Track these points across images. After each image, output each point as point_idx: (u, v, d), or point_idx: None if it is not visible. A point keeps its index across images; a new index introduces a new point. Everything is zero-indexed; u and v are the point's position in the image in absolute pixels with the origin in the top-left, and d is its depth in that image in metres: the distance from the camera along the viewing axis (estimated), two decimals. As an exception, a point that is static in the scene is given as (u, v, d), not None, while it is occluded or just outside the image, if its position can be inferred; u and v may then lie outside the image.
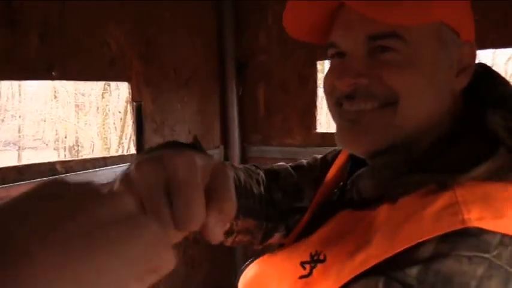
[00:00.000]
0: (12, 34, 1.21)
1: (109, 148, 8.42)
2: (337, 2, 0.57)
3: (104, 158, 1.50)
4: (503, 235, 0.45)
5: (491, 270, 0.43)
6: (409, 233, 0.47)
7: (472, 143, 0.54)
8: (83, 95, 8.89)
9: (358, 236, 0.52)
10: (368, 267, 0.48)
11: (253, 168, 0.79)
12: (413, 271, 0.45)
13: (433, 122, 0.57)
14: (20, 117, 9.48)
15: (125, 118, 8.10)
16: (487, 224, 0.45)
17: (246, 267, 0.69)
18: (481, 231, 0.45)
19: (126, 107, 7.86)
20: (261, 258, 0.65)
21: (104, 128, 8.62)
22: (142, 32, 1.58)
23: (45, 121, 9.89)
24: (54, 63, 1.32)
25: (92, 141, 8.86)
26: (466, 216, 0.45)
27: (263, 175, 0.78)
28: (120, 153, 8.24)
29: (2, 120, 9.53)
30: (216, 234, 0.33)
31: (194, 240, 1.81)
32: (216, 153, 1.95)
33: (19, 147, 9.44)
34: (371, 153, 0.58)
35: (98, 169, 1.45)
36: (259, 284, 0.64)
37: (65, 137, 9.37)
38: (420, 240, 0.46)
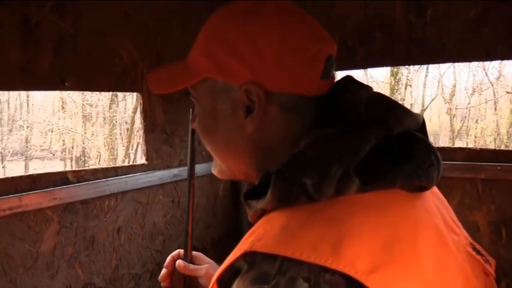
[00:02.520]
0: (27, 46, 1.24)
1: (116, 158, 8.46)
2: None
3: (114, 168, 1.51)
4: (283, 261, 0.48)
5: None
6: (228, 258, 0.54)
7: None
8: (91, 105, 8.97)
9: None
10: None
11: None
12: None
13: (247, 162, 0.64)
14: (27, 127, 9.58)
15: (131, 128, 8.15)
16: (264, 247, 0.50)
17: None
18: (262, 260, 0.49)
19: (133, 117, 7.92)
20: None
21: (110, 138, 8.68)
22: (154, 45, 1.60)
23: (52, 131, 9.98)
24: (67, 74, 1.34)
25: (99, 152, 8.92)
26: (250, 241, 0.51)
27: None
28: (126, 163, 8.27)
29: (10, 131, 9.62)
30: None
31: None
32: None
33: (26, 157, 9.51)
34: (229, 178, 0.72)
35: (108, 179, 1.46)
36: None
37: (72, 147, 9.43)
38: (220, 272, 0.53)
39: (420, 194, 0.58)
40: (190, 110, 0.82)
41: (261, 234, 0.52)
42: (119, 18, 1.49)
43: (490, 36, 1.46)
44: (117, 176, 1.50)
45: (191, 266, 0.88)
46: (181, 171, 1.71)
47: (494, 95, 9.25)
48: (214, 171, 0.71)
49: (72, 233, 1.38)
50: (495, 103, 9.42)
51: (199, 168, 1.81)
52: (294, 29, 0.59)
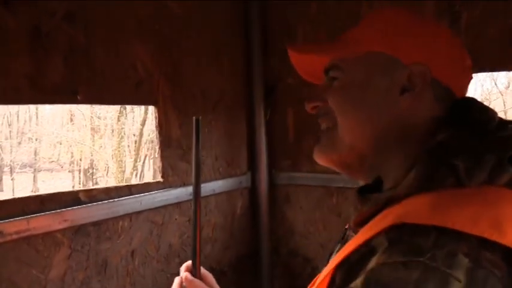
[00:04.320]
0: (38, 58, 1.16)
1: (124, 171, 8.41)
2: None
3: (128, 186, 1.42)
4: (439, 235, 0.46)
5: (426, 273, 0.44)
6: (351, 243, 0.53)
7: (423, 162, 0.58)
8: (99, 117, 8.96)
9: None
10: (322, 282, 0.55)
11: None
12: (358, 283, 0.47)
13: (380, 138, 0.63)
14: (36, 139, 9.57)
15: (139, 141, 8.11)
16: (418, 218, 0.48)
17: None
18: (413, 234, 0.47)
19: (142, 129, 7.88)
20: None
21: (118, 151, 8.63)
22: (169, 55, 1.52)
23: (61, 144, 9.97)
24: (80, 86, 1.26)
25: (107, 164, 8.88)
26: (395, 216, 0.50)
27: None
28: (134, 175, 8.20)
29: (19, 143, 9.62)
30: None
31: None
32: (244, 180, 1.85)
33: (35, 169, 9.49)
34: (336, 167, 0.67)
35: (122, 198, 1.36)
36: None
37: (80, 160, 9.41)
38: (343, 256, 0.52)
39: None
40: (194, 119, 0.83)
41: (405, 209, 0.52)
42: (132, 27, 1.41)
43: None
44: (131, 194, 1.40)
45: (197, 281, 0.84)
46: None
47: (504, 105, 9.11)
48: (321, 151, 0.68)
49: (84, 257, 1.28)
50: (505, 113, 9.28)
51: (217, 185, 1.72)
52: (457, 39, 0.67)
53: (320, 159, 0.68)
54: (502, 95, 8.88)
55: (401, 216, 0.50)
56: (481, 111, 0.61)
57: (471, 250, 0.45)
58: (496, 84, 8.86)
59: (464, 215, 0.47)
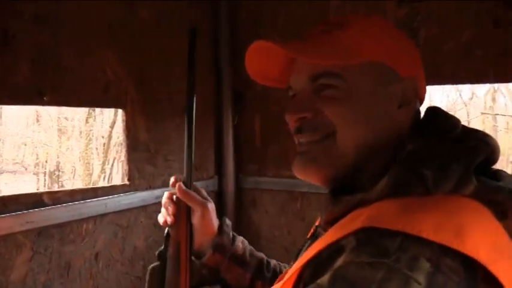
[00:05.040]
0: (4, 59, 1.16)
1: (91, 174, 8.23)
2: (288, 57, 0.67)
3: (93, 189, 1.42)
4: (404, 239, 0.48)
5: (390, 274, 0.46)
6: (321, 242, 0.55)
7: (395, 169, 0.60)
8: (66, 119, 8.73)
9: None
10: (291, 277, 0.56)
11: None
12: (325, 279, 0.49)
13: (375, 150, 0.62)
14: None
15: (108, 143, 7.96)
16: (386, 223, 0.50)
17: None
18: (380, 237, 0.49)
19: (111, 132, 7.74)
20: None
21: (86, 153, 8.44)
22: (138, 59, 1.53)
23: (25, 145, 9.65)
24: (46, 88, 1.26)
25: (74, 166, 8.66)
26: (365, 219, 0.52)
27: None
28: (102, 178, 8.05)
29: (-19, 144, 9.26)
30: None
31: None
32: (211, 184, 1.88)
33: (-3, 171, 9.15)
34: (322, 181, 0.65)
35: (87, 200, 1.37)
36: None
37: (46, 162, 9.13)
38: (312, 255, 0.54)
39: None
40: (188, 30, 0.80)
41: (374, 213, 0.53)
42: (101, 31, 1.42)
43: (482, 59, 1.44)
44: (96, 197, 1.40)
45: (192, 193, 0.82)
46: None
47: (468, 115, 9.45)
48: (311, 167, 0.64)
49: (46, 260, 1.27)
50: (468, 123, 9.61)
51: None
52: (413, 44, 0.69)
53: (307, 174, 0.64)
54: (465, 105, 9.20)
55: (371, 219, 0.52)
56: (446, 120, 0.64)
57: (433, 255, 0.47)
58: (460, 95, 9.19)
59: (429, 223, 0.49)
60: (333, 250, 0.52)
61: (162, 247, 0.82)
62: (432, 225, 0.49)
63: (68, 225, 1.32)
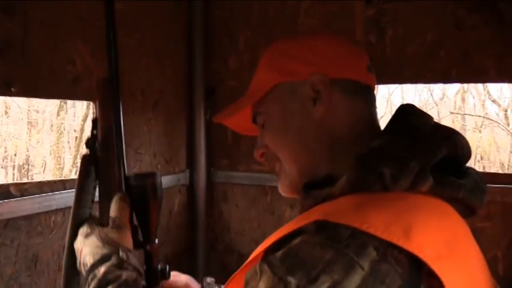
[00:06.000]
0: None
1: (62, 168, 8.07)
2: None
3: (62, 181, 1.41)
4: (355, 231, 0.51)
5: (337, 256, 0.50)
6: (286, 227, 0.59)
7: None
8: (37, 111, 8.52)
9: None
10: (255, 258, 0.61)
11: None
12: (279, 253, 0.53)
13: (315, 151, 0.70)
14: (-35, 132, 8.95)
15: (80, 137, 7.81)
16: (338, 218, 0.53)
17: None
18: (336, 226, 0.52)
19: (83, 125, 7.60)
20: None
21: (57, 147, 8.26)
22: (110, 51, 1.52)
23: (-7, 137, 9.38)
24: (14, 79, 1.24)
25: (44, 160, 8.47)
26: (321, 213, 0.56)
27: None
28: (74, 173, 7.90)
29: None
30: None
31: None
32: (182, 177, 1.89)
33: (-38, 164, 8.86)
34: (297, 194, 0.73)
35: (55, 192, 1.36)
36: None
37: (15, 155, 8.90)
38: (286, 233, 0.57)
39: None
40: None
41: (332, 208, 0.58)
42: (73, 22, 1.40)
43: (446, 60, 1.50)
44: (65, 189, 1.40)
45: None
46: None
47: (438, 115, 9.70)
48: (282, 188, 0.76)
49: (13, 252, 1.26)
50: (439, 122, 9.84)
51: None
52: (340, 37, 0.75)
53: (287, 195, 0.76)
54: (436, 105, 9.44)
55: (327, 214, 0.55)
56: (416, 118, 0.68)
57: (381, 246, 0.50)
58: (431, 95, 9.43)
59: (380, 220, 0.53)
60: (294, 233, 0.56)
61: (90, 135, 0.81)
62: (382, 222, 0.52)
63: (35, 217, 1.31)
